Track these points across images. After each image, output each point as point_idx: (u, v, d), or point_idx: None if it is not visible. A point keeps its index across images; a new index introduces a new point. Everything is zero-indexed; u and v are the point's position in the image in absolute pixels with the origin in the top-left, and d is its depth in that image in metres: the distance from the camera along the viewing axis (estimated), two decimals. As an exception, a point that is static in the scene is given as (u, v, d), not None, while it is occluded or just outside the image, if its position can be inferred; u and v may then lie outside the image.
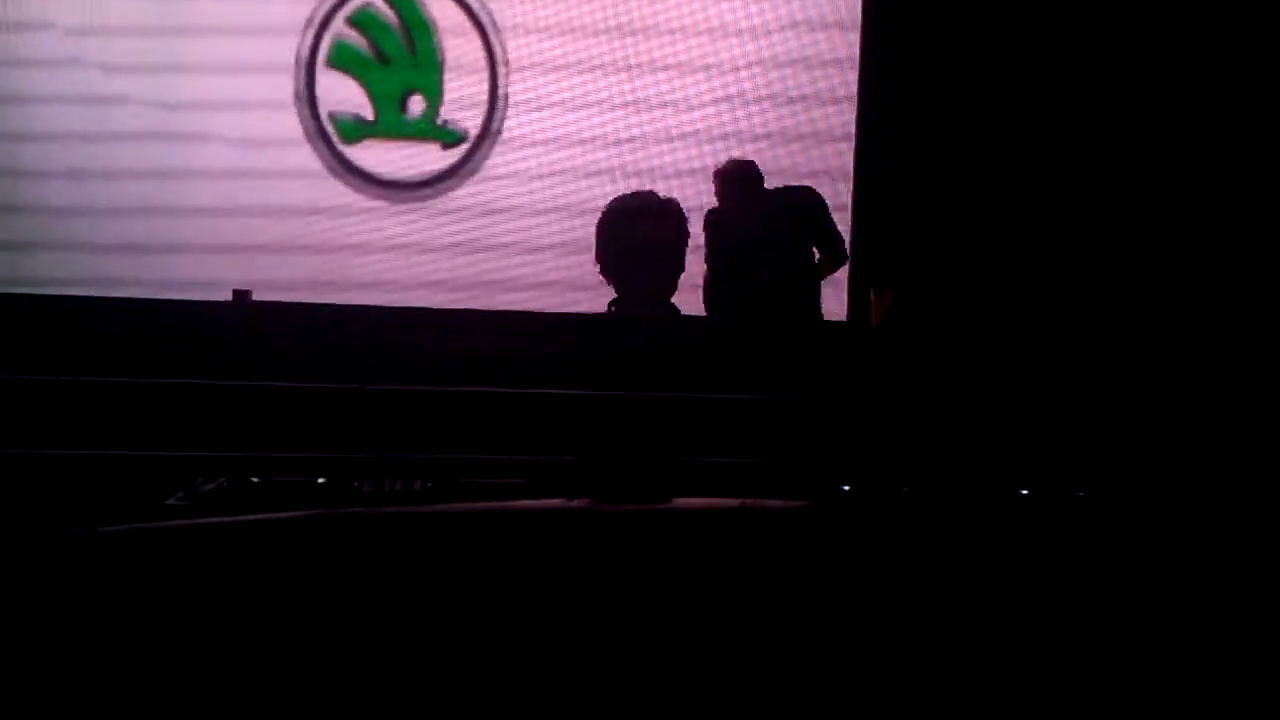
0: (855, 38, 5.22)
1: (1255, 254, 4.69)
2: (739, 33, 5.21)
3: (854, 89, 5.19)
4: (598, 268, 2.79)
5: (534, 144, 5.26)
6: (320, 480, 2.10)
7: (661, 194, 3.05)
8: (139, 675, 1.59)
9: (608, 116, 5.24)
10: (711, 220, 4.45)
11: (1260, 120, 4.85)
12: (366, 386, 2.25)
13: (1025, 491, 2.76)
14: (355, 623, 1.75)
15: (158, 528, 1.79)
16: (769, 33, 5.21)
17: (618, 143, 5.19)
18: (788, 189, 4.73)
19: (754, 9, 5.23)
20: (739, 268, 4.28)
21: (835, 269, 4.65)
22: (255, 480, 2.09)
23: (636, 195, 2.92)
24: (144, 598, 1.71)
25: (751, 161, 4.70)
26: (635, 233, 2.75)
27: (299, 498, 2.11)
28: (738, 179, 4.57)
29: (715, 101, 5.19)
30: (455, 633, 1.76)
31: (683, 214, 2.89)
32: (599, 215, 2.92)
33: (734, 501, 1.97)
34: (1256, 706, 1.71)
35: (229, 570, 1.77)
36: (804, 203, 4.62)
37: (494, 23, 5.28)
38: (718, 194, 4.55)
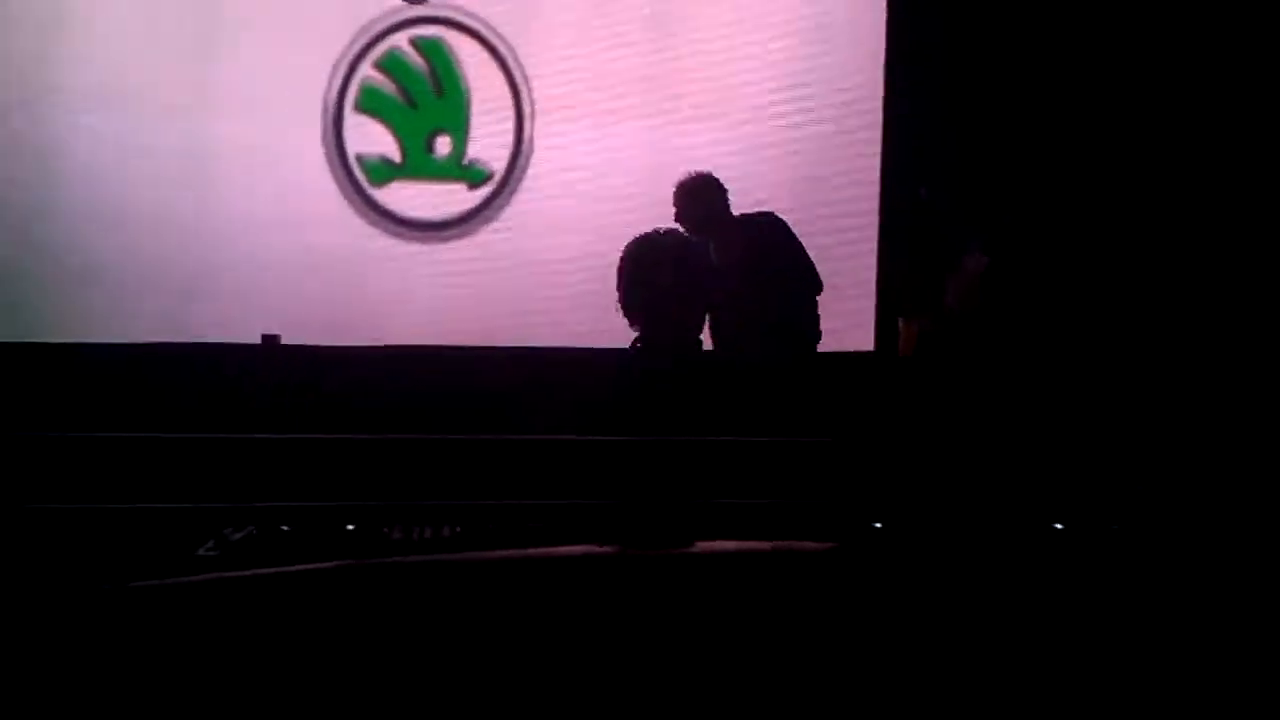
0: (879, 75, 5.23)
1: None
2: (761, 79, 5.23)
3: (879, 118, 5.19)
4: (619, 307, 2.76)
5: (560, 185, 5.28)
6: (349, 527, 2.10)
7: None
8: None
9: (633, 156, 5.26)
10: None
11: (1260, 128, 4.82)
12: (388, 436, 2.25)
13: (1059, 525, 2.74)
14: (387, 675, 1.75)
15: (187, 583, 1.79)
16: (794, 85, 5.23)
17: (642, 182, 5.20)
18: (754, 217, 4.68)
19: (776, 50, 5.25)
20: (737, 295, 4.23)
21: (815, 295, 4.58)
22: (285, 528, 2.09)
23: (660, 234, 2.88)
24: (176, 655, 1.71)
25: (708, 174, 4.65)
26: (660, 270, 2.73)
27: (329, 545, 2.11)
28: (702, 196, 4.54)
29: (740, 150, 5.20)
30: (486, 682, 1.75)
31: (707, 252, 2.87)
32: (622, 254, 2.90)
33: (765, 545, 1.95)
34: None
35: (261, 625, 1.76)
36: (778, 231, 4.57)
37: (520, 66, 5.31)
38: (680, 209, 4.52)
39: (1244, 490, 2.64)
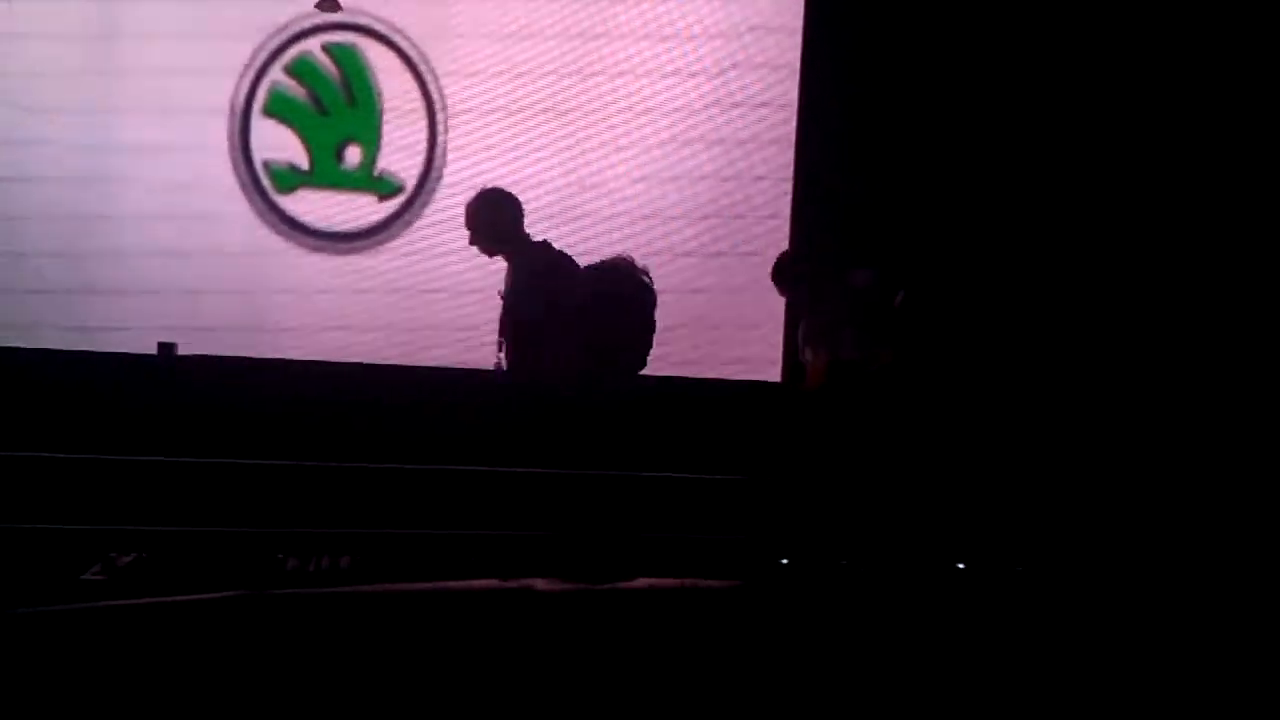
0: (793, 87, 5.26)
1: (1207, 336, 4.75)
2: (677, 74, 5.23)
3: (793, 128, 5.22)
4: (564, 329, 2.73)
5: (474, 187, 5.22)
6: (243, 554, 2.03)
7: (621, 255, 3.00)
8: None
9: (546, 170, 5.23)
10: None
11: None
12: (286, 461, 2.19)
13: (962, 565, 2.76)
14: (282, 711, 1.69)
15: (73, 610, 1.71)
16: (711, 76, 5.23)
17: (557, 188, 5.17)
18: (551, 254, 4.40)
19: (692, 54, 5.25)
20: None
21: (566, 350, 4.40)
22: (175, 554, 2.01)
23: (610, 266, 2.86)
24: (60, 684, 1.64)
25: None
26: (604, 305, 2.70)
27: (219, 573, 2.04)
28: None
29: (660, 144, 5.19)
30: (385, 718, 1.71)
31: (650, 286, 2.84)
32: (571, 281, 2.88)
33: (672, 582, 1.93)
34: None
35: (151, 656, 1.69)
36: (557, 273, 4.21)
37: (435, 77, 5.25)
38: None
39: (1147, 533, 2.68)
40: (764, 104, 5.27)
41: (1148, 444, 3.68)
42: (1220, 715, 1.80)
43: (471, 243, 4.30)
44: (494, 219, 4.27)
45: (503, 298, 4.27)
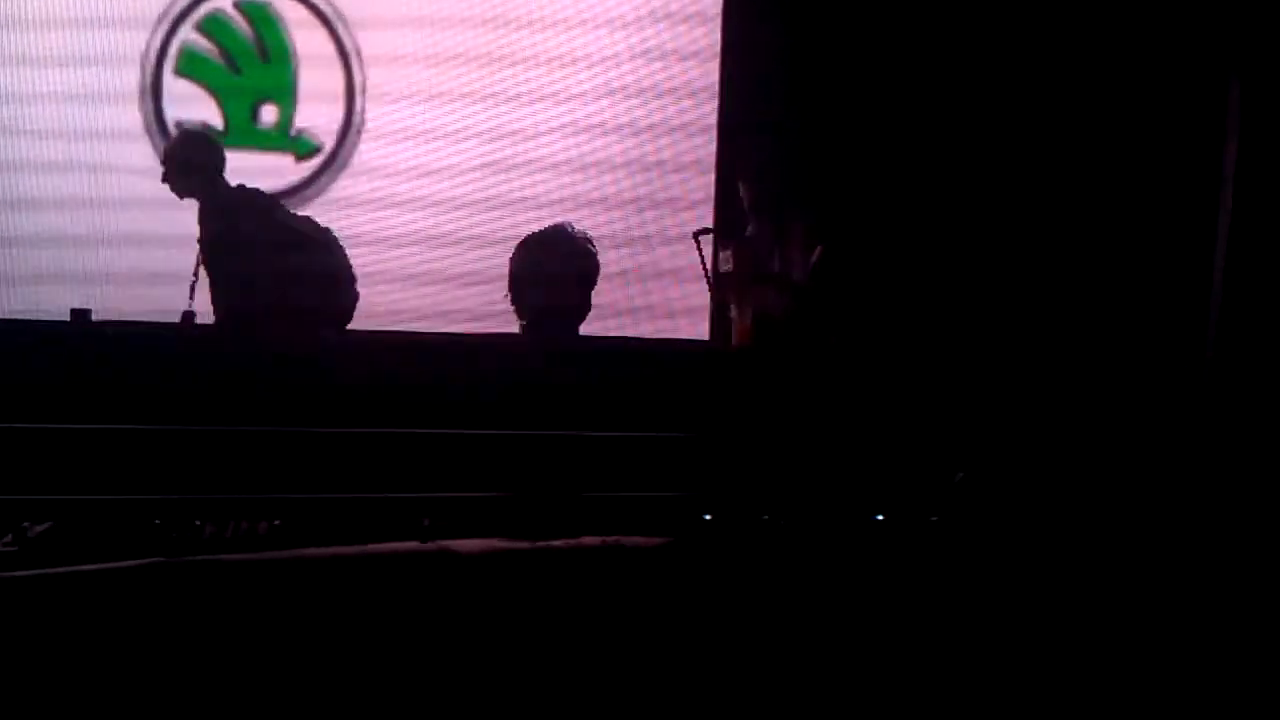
0: (714, 67, 5.25)
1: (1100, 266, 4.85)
2: (595, 61, 5.21)
3: (714, 118, 5.22)
4: (509, 296, 2.78)
5: (395, 141, 5.16)
6: (157, 521, 2.00)
7: (562, 223, 3.03)
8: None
9: (467, 130, 5.18)
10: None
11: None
12: (199, 426, 2.16)
13: (880, 517, 2.80)
14: (199, 678, 1.68)
15: (-19, 582, 1.68)
16: (621, 62, 5.21)
17: (476, 169, 5.13)
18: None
19: (606, 40, 5.23)
20: None
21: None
22: (87, 522, 1.98)
23: (552, 229, 2.90)
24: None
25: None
26: (547, 264, 2.74)
27: (134, 541, 2.01)
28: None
29: (577, 130, 5.16)
30: (305, 682, 1.70)
31: (592, 249, 2.89)
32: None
33: (595, 540, 1.94)
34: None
35: (64, 626, 1.68)
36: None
37: (350, 34, 5.16)
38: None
39: (1063, 481, 2.73)
40: (689, 56, 5.27)
41: (1066, 393, 3.76)
42: (1127, 656, 1.85)
43: (164, 180, 4.27)
44: (189, 158, 4.26)
45: (200, 243, 4.21)
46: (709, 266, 4.37)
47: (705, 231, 4.49)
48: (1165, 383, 4.47)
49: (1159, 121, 4.94)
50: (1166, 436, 3.72)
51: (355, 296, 4.22)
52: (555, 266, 2.76)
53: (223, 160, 4.30)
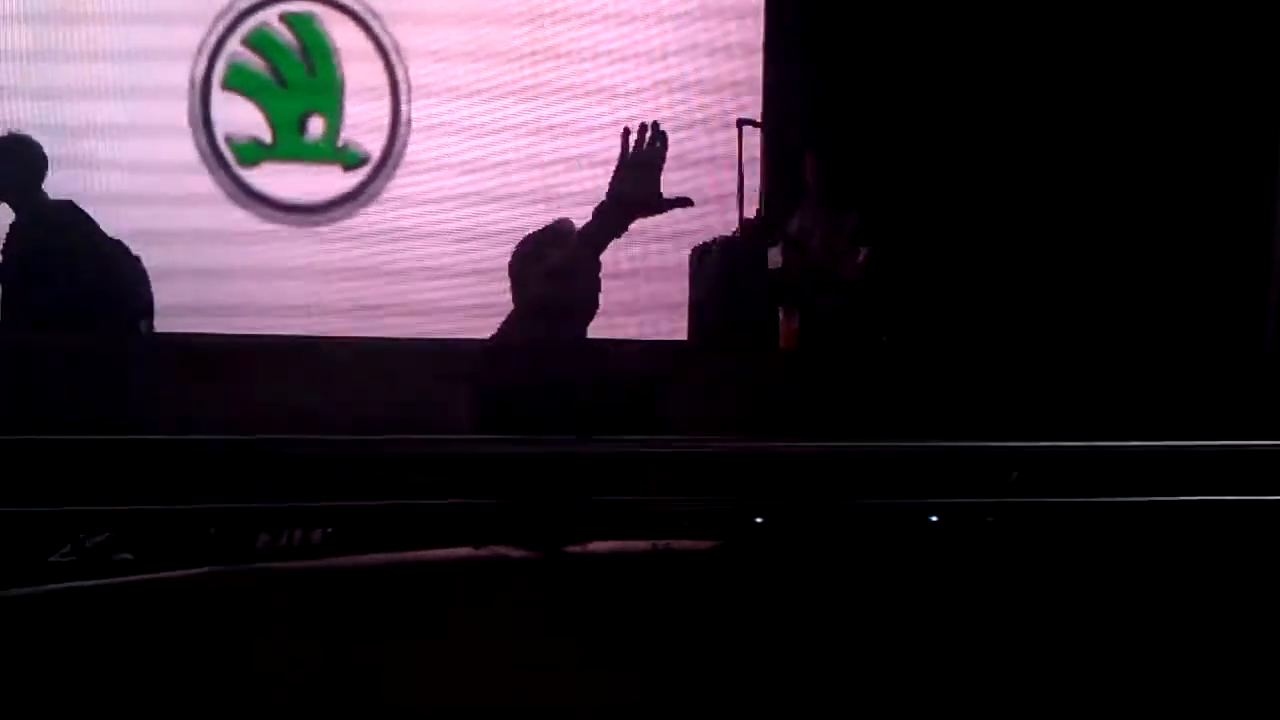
0: (757, 61, 5.24)
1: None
2: (639, 56, 5.21)
3: (758, 113, 5.20)
4: (510, 295, 2.75)
5: (436, 168, 5.19)
6: (211, 531, 2.02)
7: (561, 218, 3.00)
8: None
9: (511, 140, 5.20)
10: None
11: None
12: (255, 436, 2.17)
13: (934, 518, 2.77)
14: (256, 685, 1.69)
15: (41, 593, 1.70)
16: (665, 56, 5.21)
17: (522, 168, 5.14)
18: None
19: (655, 33, 5.22)
20: None
21: None
22: (143, 532, 2.01)
23: (555, 225, 2.87)
24: (30, 668, 1.63)
25: None
26: (551, 278, 2.72)
27: (191, 551, 2.03)
28: None
29: (619, 125, 5.16)
30: (363, 690, 1.71)
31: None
32: (510, 243, 2.87)
33: (644, 544, 1.93)
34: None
35: (122, 636, 1.69)
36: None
37: (396, 45, 5.21)
38: None
39: (1121, 484, 2.69)
40: (733, 51, 5.26)
41: (1122, 388, 3.71)
42: (1190, 665, 1.82)
43: None
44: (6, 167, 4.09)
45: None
46: (742, 158, 4.31)
47: (750, 122, 4.43)
48: (1224, 377, 4.40)
49: (1216, 112, 4.87)
50: (1224, 431, 3.66)
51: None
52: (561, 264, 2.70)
53: (39, 170, 4.10)
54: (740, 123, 4.28)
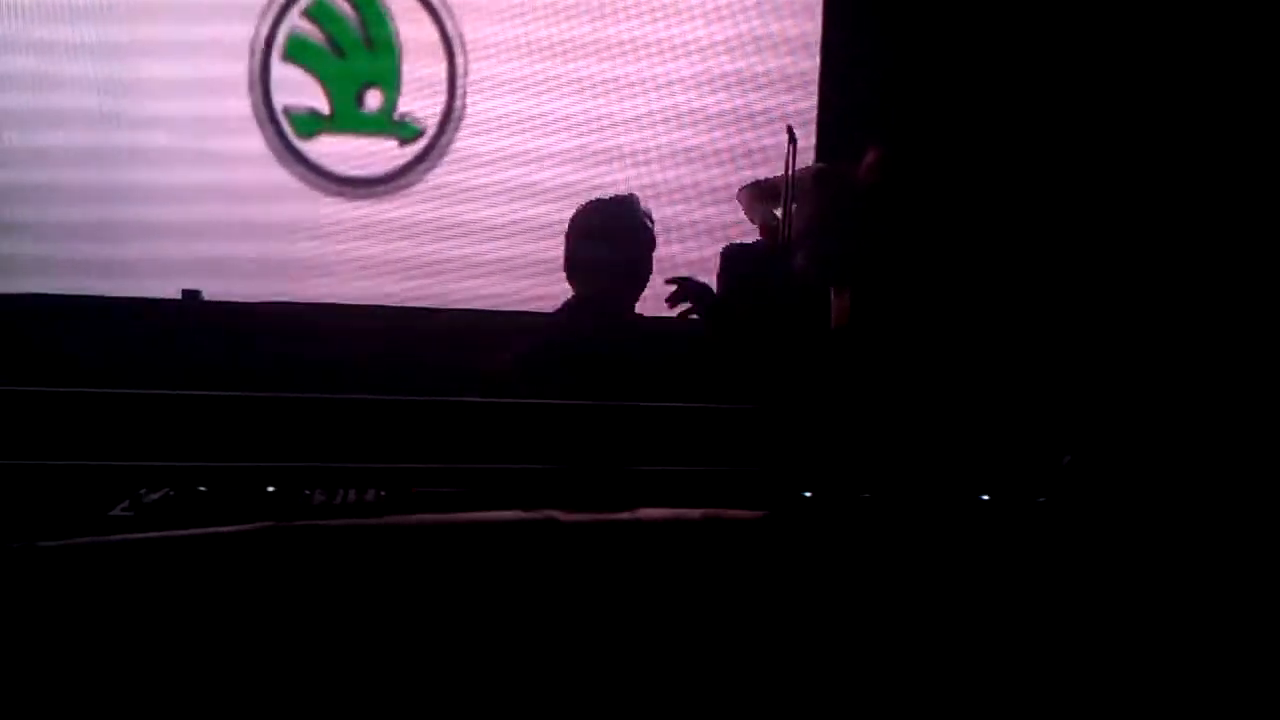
0: (814, 59, 5.21)
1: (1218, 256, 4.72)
2: (693, 51, 5.19)
3: (813, 112, 5.17)
4: (565, 273, 2.78)
5: (495, 129, 5.20)
6: (270, 489, 2.05)
7: (631, 192, 3.02)
8: (79, 702, 1.53)
9: (568, 115, 5.20)
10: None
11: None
12: (310, 395, 2.20)
13: (986, 497, 2.76)
14: (308, 640, 1.71)
15: (98, 543, 1.73)
16: (719, 52, 5.19)
17: (582, 131, 5.15)
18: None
19: (704, 30, 5.21)
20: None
21: None
22: (202, 490, 2.03)
23: (612, 200, 2.90)
24: (85, 617, 1.66)
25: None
26: (606, 239, 2.74)
27: (247, 508, 2.06)
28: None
29: (674, 117, 5.15)
30: (410, 650, 1.73)
31: (649, 224, 2.88)
32: (569, 214, 2.89)
33: (696, 512, 1.94)
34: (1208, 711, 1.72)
35: (175, 587, 1.72)
36: None
37: (454, 17, 5.22)
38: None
39: (1170, 465, 2.67)
40: (789, 46, 5.23)
41: (1177, 375, 3.66)
42: (1236, 650, 1.80)
43: None
44: None
45: None
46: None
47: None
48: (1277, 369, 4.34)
49: (1258, 113, 4.80)
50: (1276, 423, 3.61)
51: None
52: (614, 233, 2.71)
53: None
54: (791, 129, 4.27)
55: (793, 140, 4.26)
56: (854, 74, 5.09)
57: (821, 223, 4.25)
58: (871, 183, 4.24)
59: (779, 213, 4.21)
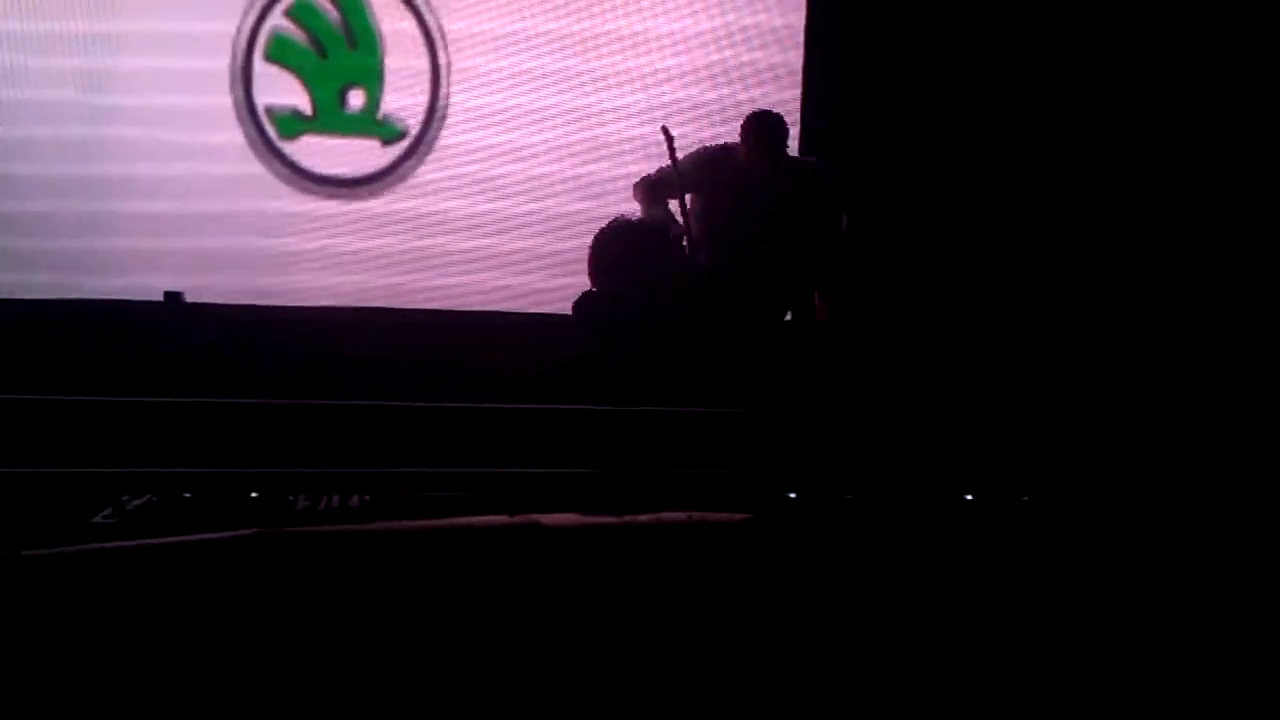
0: (797, 51, 5.21)
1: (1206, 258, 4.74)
2: (677, 43, 5.19)
3: (797, 103, 5.17)
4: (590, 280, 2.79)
5: (476, 142, 5.19)
6: (254, 495, 2.04)
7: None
8: (69, 712, 1.53)
9: (550, 114, 5.19)
10: (718, 155, 4.36)
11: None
12: (292, 401, 2.19)
13: (969, 496, 2.77)
14: (296, 647, 1.71)
15: (83, 551, 1.73)
16: (703, 44, 5.20)
17: (559, 141, 5.14)
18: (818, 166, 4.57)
19: (689, 23, 5.20)
20: (743, 217, 4.18)
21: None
22: (185, 495, 2.02)
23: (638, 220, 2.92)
24: (70, 626, 1.65)
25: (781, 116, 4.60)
26: (630, 253, 2.75)
27: (231, 514, 2.05)
28: (765, 125, 4.46)
29: (658, 114, 5.14)
30: (398, 653, 1.72)
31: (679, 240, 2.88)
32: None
33: (681, 516, 1.94)
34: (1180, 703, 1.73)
35: (165, 595, 1.71)
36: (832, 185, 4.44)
37: (436, 17, 5.21)
38: (742, 137, 4.47)
39: (1152, 462, 2.68)
40: (771, 40, 5.23)
41: (1158, 375, 3.68)
42: (1220, 641, 1.81)
43: None
44: None
45: None
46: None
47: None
48: (1259, 375, 4.36)
49: (1251, 120, 4.83)
50: (1259, 428, 3.63)
51: None
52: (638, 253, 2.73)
53: None
54: (666, 129, 4.38)
55: (669, 138, 4.37)
56: (837, 66, 5.10)
57: (712, 205, 4.29)
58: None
59: (674, 205, 4.25)
